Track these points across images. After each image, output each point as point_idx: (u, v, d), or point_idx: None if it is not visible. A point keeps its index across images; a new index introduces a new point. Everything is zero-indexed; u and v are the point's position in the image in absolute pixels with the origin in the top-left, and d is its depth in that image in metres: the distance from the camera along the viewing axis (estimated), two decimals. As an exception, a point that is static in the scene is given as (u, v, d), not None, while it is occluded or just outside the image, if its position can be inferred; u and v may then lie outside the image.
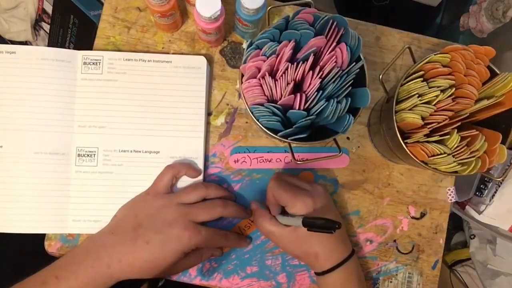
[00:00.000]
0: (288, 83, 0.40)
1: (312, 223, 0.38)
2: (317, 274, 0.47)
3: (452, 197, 0.55)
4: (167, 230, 0.43)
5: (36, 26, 0.87)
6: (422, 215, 0.55)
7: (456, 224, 0.87)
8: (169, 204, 0.46)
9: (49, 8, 0.81)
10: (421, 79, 0.43)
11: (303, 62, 0.40)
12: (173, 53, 0.53)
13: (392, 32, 0.57)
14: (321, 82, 0.40)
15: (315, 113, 0.40)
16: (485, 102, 0.42)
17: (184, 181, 0.50)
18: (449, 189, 0.55)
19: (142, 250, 0.43)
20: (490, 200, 0.64)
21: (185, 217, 0.45)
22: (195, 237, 0.44)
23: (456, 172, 0.42)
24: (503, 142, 0.43)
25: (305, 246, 0.45)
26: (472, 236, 0.79)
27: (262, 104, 0.41)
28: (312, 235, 0.41)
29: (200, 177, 0.50)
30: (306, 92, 0.41)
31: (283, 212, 0.47)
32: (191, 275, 0.51)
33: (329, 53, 0.41)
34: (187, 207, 0.46)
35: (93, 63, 0.50)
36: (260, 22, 0.49)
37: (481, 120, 0.45)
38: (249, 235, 0.52)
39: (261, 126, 0.42)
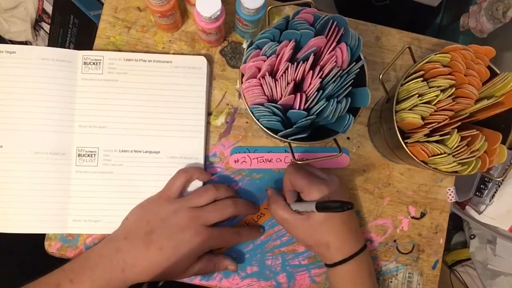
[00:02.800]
0: (288, 83, 0.40)
1: (324, 205, 0.39)
2: (327, 266, 0.46)
3: (452, 197, 0.55)
4: (179, 236, 0.44)
5: (36, 26, 0.87)
6: (422, 215, 0.55)
7: (456, 224, 0.87)
8: (180, 209, 0.46)
9: (49, 8, 0.81)
10: (421, 79, 0.43)
11: (303, 62, 0.40)
12: (173, 53, 0.53)
13: (392, 32, 0.57)
14: (321, 82, 0.40)
15: (315, 113, 0.40)
16: (485, 102, 0.42)
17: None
18: (449, 189, 0.55)
19: (156, 256, 0.43)
20: (490, 200, 0.64)
21: (196, 221, 0.45)
22: (207, 240, 0.45)
23: (456, 172, 0.42)
24: (503, 142, 0.43)
25: (317, 235, 0.45)
26: (472, 236, 0.79)
27: (262, 104, 0.41)
28: (324, 224, 0.41)
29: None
30: (306, 92, 0.41)
31: (298, 200, 0.47)
32: (191, 275, 0.51)
33: (329, 53, 0.41)
34: (199, 211, 0.46)
35: (94, 63, 0.50)
36: (260, 22, 0.49)
37: (481, 120, 0.45)
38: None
39: (261, 126, 0.42)
